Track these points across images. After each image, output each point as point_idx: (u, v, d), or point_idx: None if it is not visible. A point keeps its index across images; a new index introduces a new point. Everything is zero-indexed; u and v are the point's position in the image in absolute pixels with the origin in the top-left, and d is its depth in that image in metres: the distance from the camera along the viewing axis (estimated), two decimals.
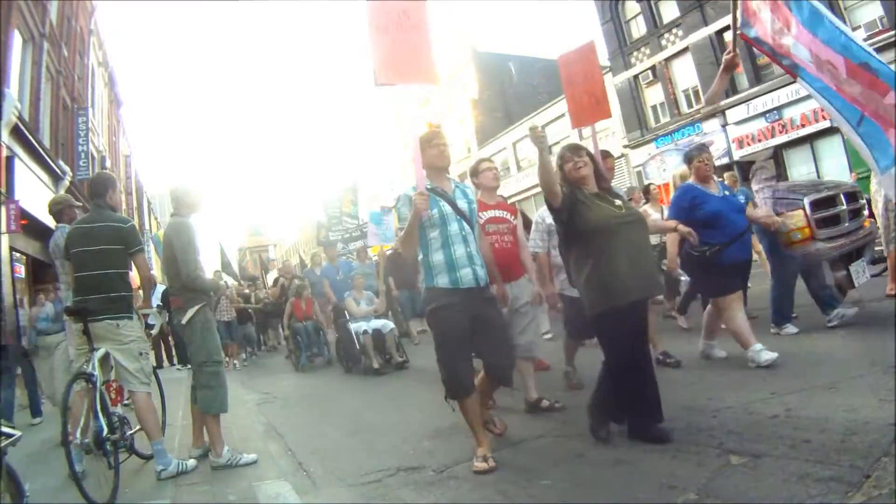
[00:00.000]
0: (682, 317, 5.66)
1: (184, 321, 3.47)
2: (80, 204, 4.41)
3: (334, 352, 8.08)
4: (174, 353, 9.72)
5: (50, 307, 5.54)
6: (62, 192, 12.77)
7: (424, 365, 6.27)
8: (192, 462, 3.44)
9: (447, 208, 2.87)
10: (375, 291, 7.73)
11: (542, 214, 4.03)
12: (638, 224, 2.87)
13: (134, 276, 3.66)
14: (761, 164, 6.56)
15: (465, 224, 2.89)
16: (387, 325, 6.87)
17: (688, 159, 4.10)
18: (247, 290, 12.03)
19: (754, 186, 4.61)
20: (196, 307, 3.48)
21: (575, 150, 2.96)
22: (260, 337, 12.31)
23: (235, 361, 9.54)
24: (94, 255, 3.32)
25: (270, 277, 16.27)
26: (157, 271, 9.79)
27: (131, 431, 3.40)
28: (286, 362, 9.16)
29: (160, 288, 6.61)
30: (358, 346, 6.57)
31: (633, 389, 2.73)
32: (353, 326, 6.74)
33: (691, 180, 4.07)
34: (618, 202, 2.89)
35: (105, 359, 3.26)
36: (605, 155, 3.85)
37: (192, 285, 3.46)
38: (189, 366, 8.19)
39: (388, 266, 8.80)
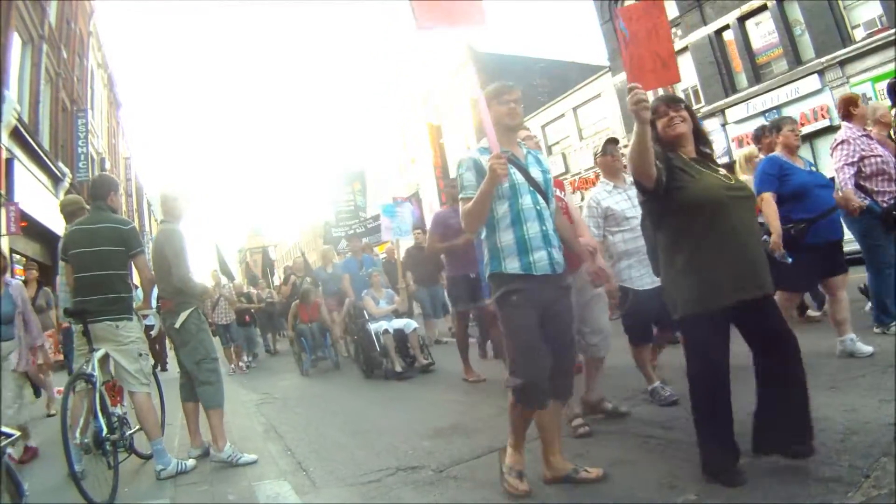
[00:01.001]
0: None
1: (177, 325, 3.51)
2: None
3: (341, 354, 7.81)
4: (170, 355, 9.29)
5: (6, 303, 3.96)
6: (62, 193, 12.80)
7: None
8: (191, 462, 3.45)
9: (519, 177, 2.40)
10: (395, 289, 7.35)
11: (595, 197, 3.52)
12: (750, 201, 2.31)
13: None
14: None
15: (539, 197, 2.42)
16: (409, 324, 6.26)
17: (776, 128, 3.73)
18: (250, 290, 11.42)
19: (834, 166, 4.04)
20: (188, 311, 3.54)
21: (671, 102, 2.40)
22: (266, 338, 11.71)
23: (241, 364, 8.99)
24: (93, 256, 3.32)
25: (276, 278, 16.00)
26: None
27: (130, 431, 3.40)
28: (293, 365, 9.13)
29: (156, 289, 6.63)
30: (378, 349, 6.04)
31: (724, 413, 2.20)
32: (372, 327, 6.17)
33: (778, 151, 3.70)
34: (723, 171, 2.34)
35: (104, 359, 3.27)
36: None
37: (184, 288, 3.52)
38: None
39: (407, 261, 8.16)
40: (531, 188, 2.41)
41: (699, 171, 2.24)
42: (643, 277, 3.24)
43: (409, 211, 7.88)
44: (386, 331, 5.99)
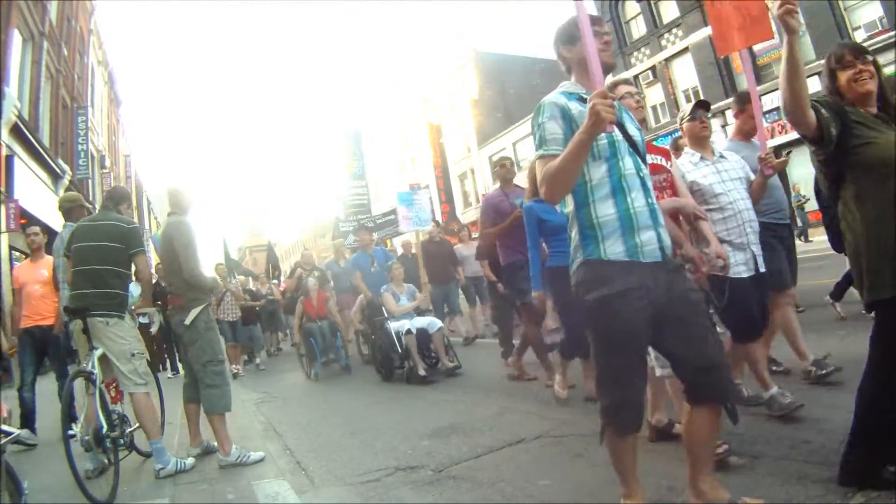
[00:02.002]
0: (839, 304, 4.57)
1: (187, 322, 3.45)
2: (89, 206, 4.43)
3: (345, 355, 7.10)
4: (167, 357, 8.86)
5: None
6: (62, 191, 12.79)
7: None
8: (190, 461, 3.44)
9: (617, 133, 1.86)
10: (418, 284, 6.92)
11: (679, 170, 3.03)
12: None
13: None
14: None
15: (640, 163, 1.90)
16: (433, 323, 5.74)
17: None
18: (253, 286, 10.66)
19: None
20: (199, 307, 3.49)
21: (858, 52, 1.97)
22: (267, 338, 10.74)
23: (238, 367, 8.26)
24: (93, 251, 3.32)
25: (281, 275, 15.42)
26: (155, 270, 9.38)
27: (130, 429, 3.40)
28: (293, 364, 8.97)
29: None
30: (399, 350, 5.54)
31: None
32: (392, 326, 5.67)
33: None
34: None
35: (104, 357, 3.26)
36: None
37: (194, 283, 3.48)
38: (175, 372, 7.76)
39: (422, 255, 7.57)
40: (630, 149, 1.88)
41: (883, 127, 1.87)
42: (738, 265, 2.84)
43: (427, 199, 7.29)
44: (409, 331, 5.49)
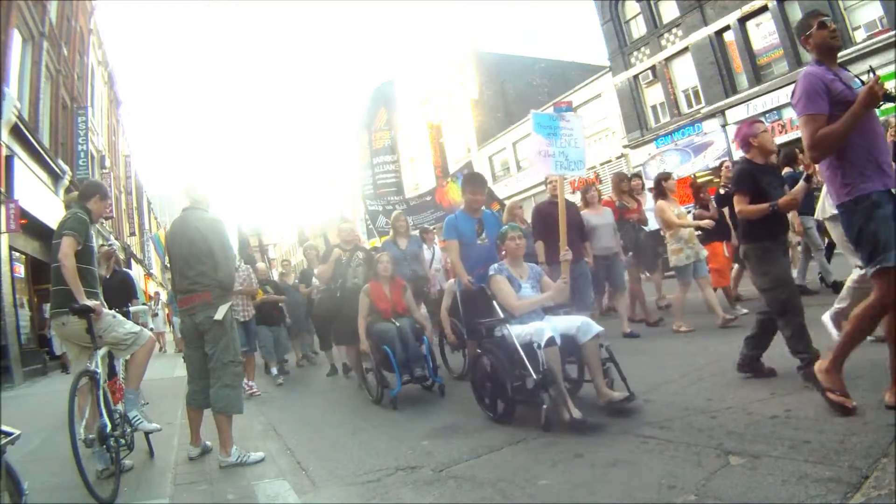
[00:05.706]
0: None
1: (218, 317, 3.40)
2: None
3: (435, 369, 4.69)
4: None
5: None
6: (62, 191, 12.80)
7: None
8: (155, 425, 3.47)
9: None
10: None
11: None
12: None
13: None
14: None
15: None
16: (587, 326, 3.38)
17: None
18: (276, 276, 8.54)
19: None
20: (228, 304, 3.47)
21: None
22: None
23: (252, 383, 6.17)
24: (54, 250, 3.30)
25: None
26: (157, 271, 9.09)
27: (131, 429, 3.40)
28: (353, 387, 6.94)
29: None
30: (538, 373, 3.21)
31: None
32: (516, 332, 3.45)
33: None
34: None
35: (106, 357, 3.27)
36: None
37: (230, 282, 3.50)
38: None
39: (538, 224, 5.50)
40: None
41: None
42: None
43: (581, 128, 4.42)
44: (551, 341, 3.21)
